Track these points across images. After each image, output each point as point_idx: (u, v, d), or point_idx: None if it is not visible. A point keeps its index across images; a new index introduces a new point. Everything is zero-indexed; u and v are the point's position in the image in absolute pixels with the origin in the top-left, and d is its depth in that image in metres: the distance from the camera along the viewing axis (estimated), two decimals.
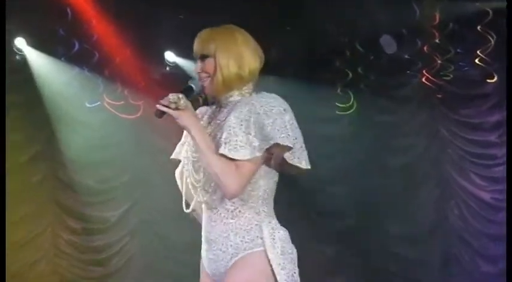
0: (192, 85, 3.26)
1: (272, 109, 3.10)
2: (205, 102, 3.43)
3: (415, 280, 9.13)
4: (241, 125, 3.09)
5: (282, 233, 3.19)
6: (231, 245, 3.18)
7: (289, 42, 8.56)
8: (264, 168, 3.18)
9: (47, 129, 9.05)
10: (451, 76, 8.81)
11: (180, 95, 3.12)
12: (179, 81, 8.34)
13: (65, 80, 8.94)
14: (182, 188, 3.38)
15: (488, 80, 8.66)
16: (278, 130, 3.07)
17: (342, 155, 9.43)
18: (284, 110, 3.12)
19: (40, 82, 8.87)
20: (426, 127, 9.38)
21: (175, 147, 3.47)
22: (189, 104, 3.14)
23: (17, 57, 8.71)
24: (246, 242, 3.17)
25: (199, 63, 3.26)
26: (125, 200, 9.42)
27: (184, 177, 3.35)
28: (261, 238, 3.16)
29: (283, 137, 3.07)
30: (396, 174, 9.26)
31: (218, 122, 3.25)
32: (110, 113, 9.09)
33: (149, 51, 8.80)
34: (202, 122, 3.30)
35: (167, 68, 9.05)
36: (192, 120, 3.12)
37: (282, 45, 8.50)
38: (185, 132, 3.32)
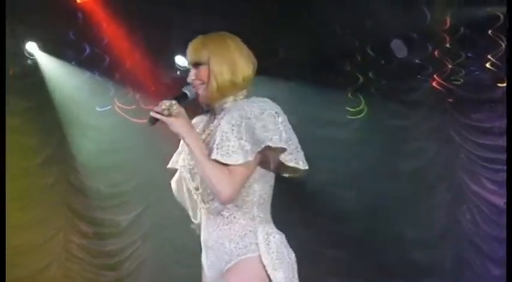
0: (187, 91, 3.22)
1: (263, 112, 3.09)
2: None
3: None
4: (233, 130, 3.07)
5: (278, 237, 3.16)
6: (225, 252, 3.17)
7: (300, 46, 8.56)
8: (258, 172, 3.16)
9: (58, 133, 9.09)
10: (462, 80, 8.78)
11: (173, 102, 3.11)
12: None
13: (76, 84, 8.97)
14: (178, 197, 3.38)
15: (499, 84, 8.62)
16: (270, 133, 3.06)
17: (352, 159, 9.42)
18: (276, 113, 3.11)
19: (51, 86, 8.91)
20: (437, 131, 9.34)
21: None
22: (183, 111, 3.12)
23: (28, 61, 8.75)
24: (239, 248, 3.15)
25: (192, 71, 3.25)
26: (136, 204, 9.44)
27: (184, 186, 3.34)
28: (256, 244, 3.13)
29: (276, 139, 3.05)
30: (407, 179, 9.22)
31: (212, 128, 3.24)
32: (121, 117, 9.10)
33: (160, 55, 8.82)
34: (198, 130, 3.29)
35: (178, 73, 9.00)
36: (185, 127, 3.11)
37: (293, 50, 8.51)
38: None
